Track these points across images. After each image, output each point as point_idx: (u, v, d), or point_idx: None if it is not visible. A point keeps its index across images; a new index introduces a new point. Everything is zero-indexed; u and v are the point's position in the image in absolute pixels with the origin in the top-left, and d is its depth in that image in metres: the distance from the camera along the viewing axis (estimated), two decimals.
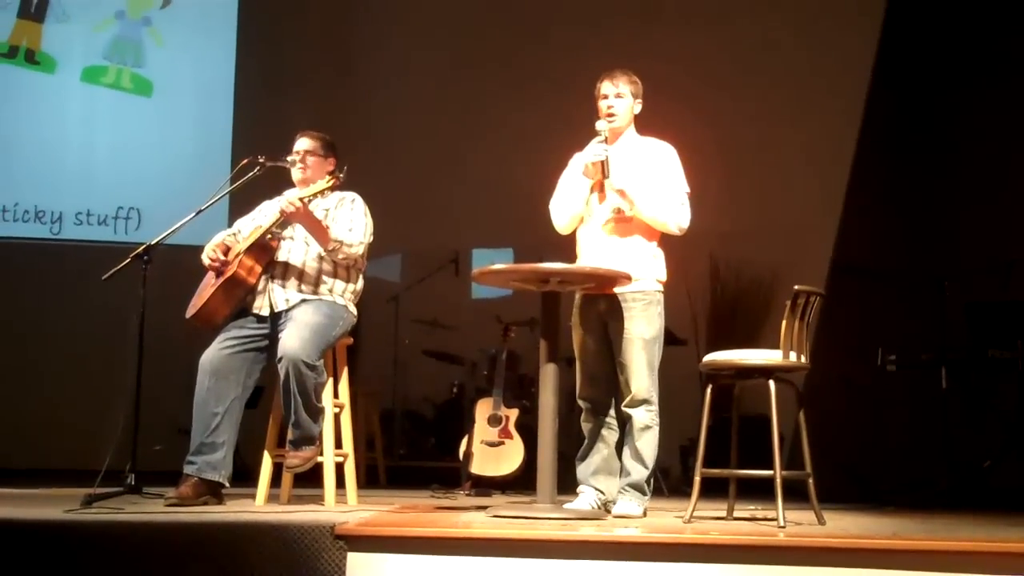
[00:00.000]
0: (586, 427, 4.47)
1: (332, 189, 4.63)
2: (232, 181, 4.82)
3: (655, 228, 4.38)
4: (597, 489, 4.38)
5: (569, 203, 4.44)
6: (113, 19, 8.98)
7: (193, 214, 4.71)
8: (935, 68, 7.55)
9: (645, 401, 4.28)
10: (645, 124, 4.56)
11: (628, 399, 4.31)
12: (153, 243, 4.69)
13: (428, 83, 8.80)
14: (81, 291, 7.25)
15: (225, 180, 4.93)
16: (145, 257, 4.65)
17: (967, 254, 6.77)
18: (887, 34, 7.82)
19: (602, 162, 4.29)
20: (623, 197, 4.32)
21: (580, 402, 4.49)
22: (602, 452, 4.42)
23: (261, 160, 4.74)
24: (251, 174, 4.73)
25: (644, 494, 4.28)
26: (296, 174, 4.77)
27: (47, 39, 8.90)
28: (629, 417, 4.31)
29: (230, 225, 4.93)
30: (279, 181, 4.86)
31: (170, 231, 4.70)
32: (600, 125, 4.37)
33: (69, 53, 8.88)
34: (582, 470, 4.44)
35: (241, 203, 5.00)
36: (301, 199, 4.47)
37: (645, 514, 4.26)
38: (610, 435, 4.42)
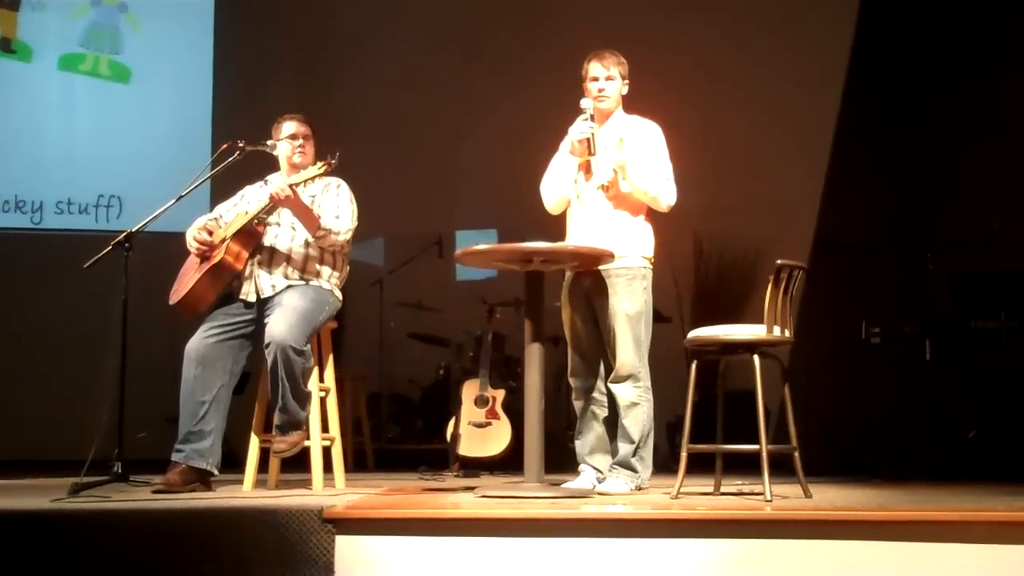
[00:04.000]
0: (577, 405, 4.50)
1: (323, 175, 4.50)
2: (213, 166, 4.81)
3: (644, 202, 4.37)
4: (595, 468, 4.41)
5: (557, 182, 4.47)
6: (89, 6, 8.91)
7: (174, 200, 4.70)
8: (915, 43, 7.56)
9: (630, 377, 4.29)
10: (629, 103, 4.56)
11: (612, 375, 4.31)
12: (135, 230, 4.69)
13: (409, 66, 8.75)
14: (63, 280, 7.22)
15: (206, 166, 4.92)
16: (127, 244, 4.66)
17: (949, 226, 6.79)
18: (867, 9, 7.82)
19: (588, 139, 4.30)
20: (621, 172, 4.31)
21: (570, 380, 4.51)
22: (596, 430, 4.44)
23: (241, 145, 4.72)
24: (231, 159, 4.71)
25: (634, 471, 4.29)
26: (295, 158, 4.67)
27: (23, 27, 8.83)
28: (615, 394, 4.31)
29: (211, 211, 4.90)
30: (259, 166, 4.83)
31: (151, 218, 4.69)
32: (585, 103, 4.36)
33: (45, 41, 8.82)
34: (580, 449, 4.47)
35: (222, 188, 4.97)
36: (291, 186, 4.41)
37: (639, 490, 4.27)
38: (601, 412, 4.45)
